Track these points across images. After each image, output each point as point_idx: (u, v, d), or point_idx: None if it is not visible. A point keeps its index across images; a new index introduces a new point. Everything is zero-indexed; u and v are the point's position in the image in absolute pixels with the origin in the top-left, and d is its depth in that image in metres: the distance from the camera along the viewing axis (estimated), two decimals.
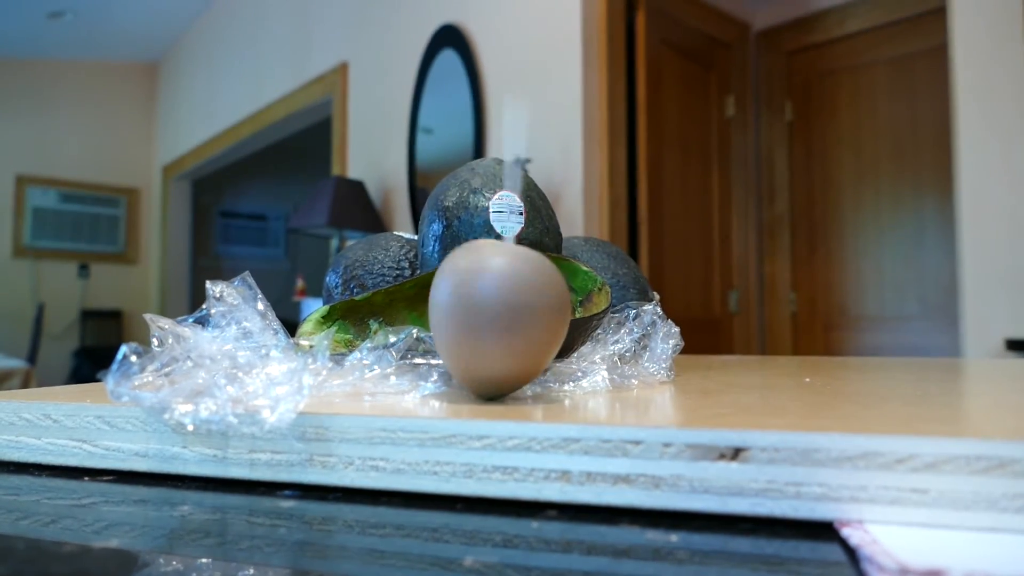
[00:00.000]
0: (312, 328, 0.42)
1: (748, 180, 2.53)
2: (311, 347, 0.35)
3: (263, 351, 0.28)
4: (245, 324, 0.29)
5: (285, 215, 5.44)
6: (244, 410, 0.24)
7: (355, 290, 0.50)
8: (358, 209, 2.44)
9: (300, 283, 3.36)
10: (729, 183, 2.47)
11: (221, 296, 0.29)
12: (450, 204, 0.44)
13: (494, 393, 0.30)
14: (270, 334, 0.30)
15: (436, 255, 0.44)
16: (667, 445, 0.22)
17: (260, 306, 0.31)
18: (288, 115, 3.26)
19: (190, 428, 0.24)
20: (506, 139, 2.02)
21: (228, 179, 5.05)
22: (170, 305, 4.56)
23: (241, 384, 0.24)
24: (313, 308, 2.90)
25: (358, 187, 2.49)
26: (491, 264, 0.29)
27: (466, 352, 0.29)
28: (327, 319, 0.43)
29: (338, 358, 0.34)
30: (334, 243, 2.60)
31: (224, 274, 5.03)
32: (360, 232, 2.49)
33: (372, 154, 2.69)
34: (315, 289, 4.62)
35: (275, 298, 5.00)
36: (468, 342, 0.28)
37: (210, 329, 0.29)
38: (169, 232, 4.63)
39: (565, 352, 0.39)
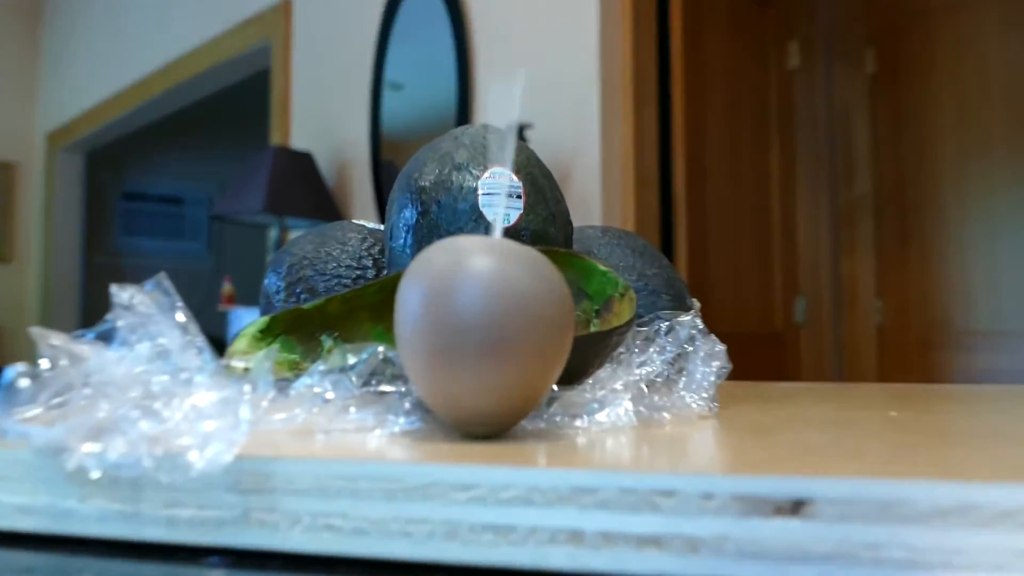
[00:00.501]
0: (247, 346, 0.43)
1: (818, 152, 2.55)
2: (246, 370, 0.36)
3: (184, 376, 0.29)
4: (161, 341, 0.30)
5: (208, 198, 5.43)
6: (164, 451, 0.24)
7: (303, 296, 0.51)
8: (305, 190, 2.44)
9: (227, 287, 3.36)
10: (793, 156, 2.48)
11: (130, 304, 0.29)
12: (427, 184, 0.45)
13: (481, 430, 0.31)
14: (193, 354, 0.30)
15: (409, 250, 0.45)
16: (708, 497, 0.23)
17: (180, 317, 0.31)
18: (212, 67, 3.26)
19: (95, 475, 0.24)
20: (498, 106, 2.03)
21: (133, 151, 5.04)
22: (56, 315, 4.54)
23: (158, 418, 0.25)
24: (246, 320, 2.90)
25: (305, 161, 2.50)
26: (473, 265, 0.29)
27: (443, 379, 0.29)
28: (266, 334, 0.44)
29: (281, 385, 0.35)
30: (273, 235, 2.60)
31: (127, 274, 5.03)
32: (308, 220, 2.49)
33: (323, 118, 2.69)
34: (248, 295, 4.61)
35: (195, 306, 4.99)
36: (445, 366, 0.29)
37: (116, 347, 0.29)
38: (54, 220, 4.62)
39: (577, 377, 0.39)
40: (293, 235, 2.70)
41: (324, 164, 2.63)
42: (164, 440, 0.24)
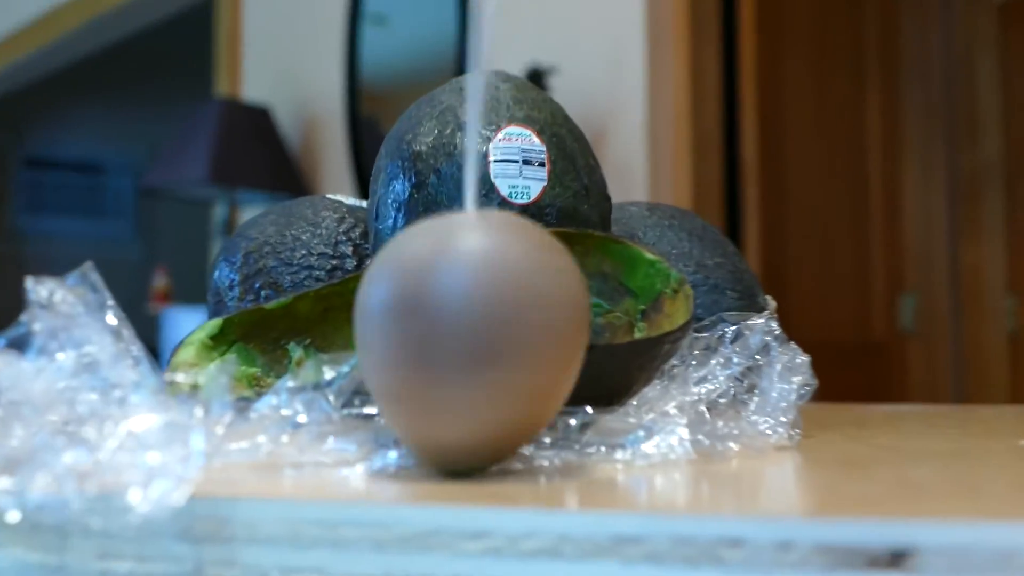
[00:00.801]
0: (195, 356, 0.43)
1: (932, 106, 2.53)
2: (195, 387, 0.36)
3: (118, 394, 0.30)
4: (88, 349, 0.31)
5: (135, 166, 5.45)
6: (97, 490, 0.25)
7: (263, 293, 0.51)
8: (261, 155, 2.45)
9: (161, 281, 3.38)
10: (899, 111, 2.46)
11: (49, 302, 0.30)
12: (423, 148, 0.45)
13: (458, 465, 0.31)
14: (128, 365, 0.31)
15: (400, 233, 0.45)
16: (785, 547, 0.23)
17: (111, 319, 0.32)
18: None
19: (12, 518, 0.25)
20: None
21: (38, 105, 5.06)
22: None
23: (88, 447, 0.25)
24: (186, 323, 2.91)
25: (261, 118, 2.50)
26: (459, 249, 0.29)
27: (416, 400, 0.29)
28: (218, 341, 0.44)
29: (239, 406, 0.35)
30: (220, 213, 2.61)
31: (31, 263, 5.05)
32: (266, 195, 2.50)
33: (284, 63, 2.70)
34: (188, 291, 4.63)
35: (120, 304, 5.01)
36: (419, 383, 0.29)
37: (32, 357, 0.30)
38: None
39: (618, 396, 0.40)
40: (247, 214, 2.71)
41: (286, 121, 2.64)
42: (97, 475, 0.25)
